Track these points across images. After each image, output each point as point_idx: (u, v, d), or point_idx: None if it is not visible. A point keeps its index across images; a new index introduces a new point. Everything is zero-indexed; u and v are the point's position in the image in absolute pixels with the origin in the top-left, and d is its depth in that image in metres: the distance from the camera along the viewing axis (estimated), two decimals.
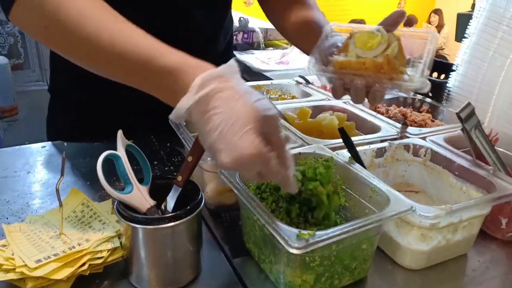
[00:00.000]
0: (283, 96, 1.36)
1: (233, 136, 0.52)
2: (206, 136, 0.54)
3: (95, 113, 1.17)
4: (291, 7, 1.08)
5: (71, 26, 0.63)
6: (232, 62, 0.58)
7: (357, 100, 0.79)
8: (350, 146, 0.81)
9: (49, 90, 1.24)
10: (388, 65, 0.69)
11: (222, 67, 0.57)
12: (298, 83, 1.38)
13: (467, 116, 0.81)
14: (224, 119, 0.52)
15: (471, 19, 1.14)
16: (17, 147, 1.11)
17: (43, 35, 0.69)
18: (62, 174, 0.68)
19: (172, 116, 0.58)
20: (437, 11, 7.17)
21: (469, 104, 0.82)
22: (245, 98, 0.54)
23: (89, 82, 1.12)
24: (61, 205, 0.70)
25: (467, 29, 1.14)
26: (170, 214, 0.61)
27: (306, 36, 0.95)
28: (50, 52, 1.16)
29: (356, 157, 0.80)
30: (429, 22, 7.30)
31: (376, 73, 0.69)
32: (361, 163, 0.80)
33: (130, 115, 1.18)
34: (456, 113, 0.80)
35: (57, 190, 0.69)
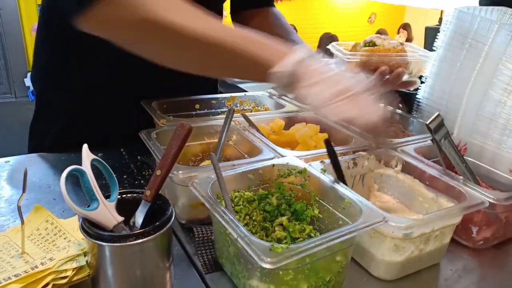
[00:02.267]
0: (256, 108, 1.35)
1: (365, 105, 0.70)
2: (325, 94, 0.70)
3: (79, 123, 1.16)
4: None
5: (178, 23, 0.69)
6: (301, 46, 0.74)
7: (382, 77, 0.96)
8: (334, 157, 0.80)
9: (36, 99, 1.23)
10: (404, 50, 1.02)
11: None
12: (272, 95, 1.38)
13: (437, 127, 0.82)
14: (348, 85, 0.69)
15: (439, 32, 1.17)
16: None
17: (136, 30, 0.71)
18: (24, 190, 0.65)
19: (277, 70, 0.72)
20: (406, 26, 7.38)
21: (438, 115, 0.83)
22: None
23: (76, 91, 1.13)
24: (22, 222, 0.66)
25: (435, 42, 1.17)
26: (138, 231, 0.59)
27: None
28: (41, 62, 1.15)
29: (337, 168, 0.79)
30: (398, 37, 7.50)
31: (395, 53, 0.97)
32: (342, 176, 0.79)
33: (108, 126, 1.18)
34: (426, 124, 0.82)
35: (19, 207, 0.65)
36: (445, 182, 0.82)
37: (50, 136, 1.18)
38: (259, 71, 0.74)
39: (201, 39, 0.71)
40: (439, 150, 0.85)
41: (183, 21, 0.71)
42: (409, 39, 7.32)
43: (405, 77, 0.98)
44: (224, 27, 0.74)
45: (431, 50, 1.19)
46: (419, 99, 1.20)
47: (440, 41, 1.15)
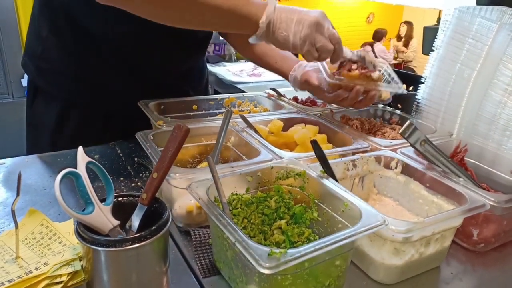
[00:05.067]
0: (255, 108, 1.34)
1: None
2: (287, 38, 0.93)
3: (77, 119, 1.18)
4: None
5: None
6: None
7: (353, 101, 1.08)
8: (322, 158, 0.80)
9: (30, 86, 1.23)
10: (379, 79, 1.08)
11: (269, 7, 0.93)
12: (270, 95, 1.37)
13: (410, 133, 0.84)
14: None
15: (437, 32, 1.16)
16: None
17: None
18: (17, 194, 0.64)
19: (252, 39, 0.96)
20: (407, 23, 7.40)
21: (409, 123, 0.85)
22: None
23: (73, 75, 1.15)
24: (17, 227, 0.65)
25: (434, 42, 1.16)
26: (134, 235, 0.58)
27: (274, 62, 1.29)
28: (36, 41, 1.15)
29: (328, 169, 0.79)
30: (399, 33, 7.51)
31: (371, 81, 1.07)
32: (333, 176, 0.79)
33: (105, 121, 1.20)
34: (399, 133, 0.85)
35: (13, 211, 0.64)
36: (445, 184, 0.81)
37: (48, 129, 1.19)
38: (250, 24, 0.92)
39: (210, 4, 0.88)
40: (421, 154, 0.86)
41: None
42: (409, 35, 7.32)
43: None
44: None
45: (430, 50, 1.18)
46: (419, 99, 1.19)
47: (439, 41, 1.14)
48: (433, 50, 1.16)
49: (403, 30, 7.37)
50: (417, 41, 7.14)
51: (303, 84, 1.18)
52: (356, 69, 1.05)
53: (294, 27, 0.91)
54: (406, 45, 7.40)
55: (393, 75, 1.14)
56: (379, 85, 1.07)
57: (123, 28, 1.08)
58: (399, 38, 7.49)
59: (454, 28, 1.10)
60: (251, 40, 0.97)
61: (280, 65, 1.26)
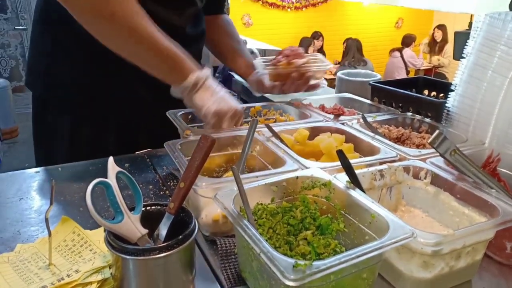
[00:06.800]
0: (280, 117, 1.34)
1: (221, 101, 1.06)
2: (203, 102, 1.04)
3: (93, 127, 1.22)
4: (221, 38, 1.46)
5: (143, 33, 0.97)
6: (206, 69, 1.07)
7: (293, 85, 1.30)
8: (348, 168, 0.79)
9: (39, 102, 1.26)
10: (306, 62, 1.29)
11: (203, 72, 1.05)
12: (296, 104, 1.37)
13: (440, 143, 0.82)
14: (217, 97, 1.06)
15: (469, 37, 1.13)
16: (11, 173, 1.09)
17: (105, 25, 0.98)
18: (51, 203, 0.66)
19: (173, 90, 1.07)
20: (441, 27, 7.22)
21: (438, 133, 0.83)
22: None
23: (85, 97, 1.19)
24: (50, 234, 0.68)
25: (464, 48, 1.13)
26: (161, 244, 0.59)
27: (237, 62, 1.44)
28: (41, 59, 1.20)
29: (354, 180, 0.78)
30: (433, 37, 7.34)
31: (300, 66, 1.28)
32: (360, 186, 0.78)
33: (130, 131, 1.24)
34: (428, 143, 0.83)
35: (46, 219, 0.67)
36: (477, 195, 0.78)
37: (62, 142, 1.22)
38: (176, 78, 1.04)
39: (152, 46, 0.99)
40: (451, 164, 0.84)
41: (145, 25, 0.97)
42: (444, 40, 7.15)
43: (312, 82, 1.33)
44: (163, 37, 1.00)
45: (461, 55, 1.15)
46: (449, 107, 1.16)
47: (470, 47, 1.12)
48: (463, 57, 1.14)
49: (438, 35, 7.18)
50: (450, 46, 6.96)
51: (259, 87, 1.35)
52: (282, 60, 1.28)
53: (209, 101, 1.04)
54: (440, 50, 7.21)
55: (321, 57, 1.37)
56: (309, 66, 1.27)
57: None
58: (434, 43, 7.30)
59: (485, 35, 1.07)
60: (172, 91, 1.07)
61: (229, 64, 1.46)
